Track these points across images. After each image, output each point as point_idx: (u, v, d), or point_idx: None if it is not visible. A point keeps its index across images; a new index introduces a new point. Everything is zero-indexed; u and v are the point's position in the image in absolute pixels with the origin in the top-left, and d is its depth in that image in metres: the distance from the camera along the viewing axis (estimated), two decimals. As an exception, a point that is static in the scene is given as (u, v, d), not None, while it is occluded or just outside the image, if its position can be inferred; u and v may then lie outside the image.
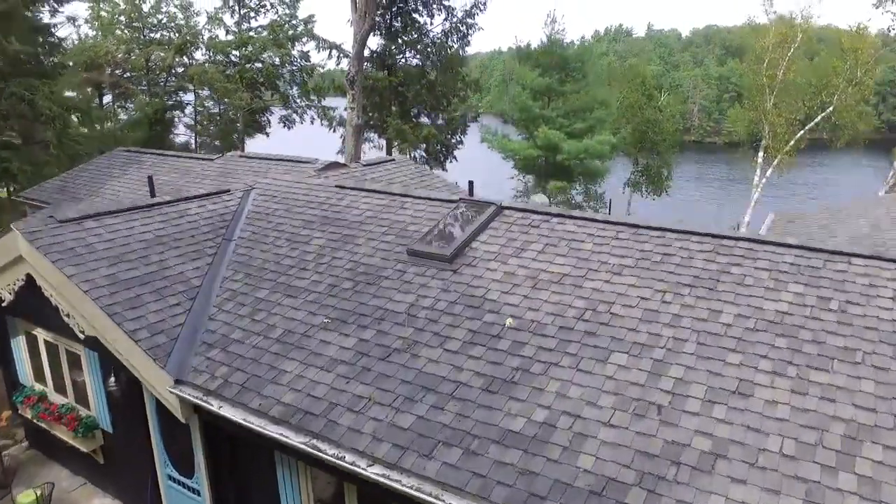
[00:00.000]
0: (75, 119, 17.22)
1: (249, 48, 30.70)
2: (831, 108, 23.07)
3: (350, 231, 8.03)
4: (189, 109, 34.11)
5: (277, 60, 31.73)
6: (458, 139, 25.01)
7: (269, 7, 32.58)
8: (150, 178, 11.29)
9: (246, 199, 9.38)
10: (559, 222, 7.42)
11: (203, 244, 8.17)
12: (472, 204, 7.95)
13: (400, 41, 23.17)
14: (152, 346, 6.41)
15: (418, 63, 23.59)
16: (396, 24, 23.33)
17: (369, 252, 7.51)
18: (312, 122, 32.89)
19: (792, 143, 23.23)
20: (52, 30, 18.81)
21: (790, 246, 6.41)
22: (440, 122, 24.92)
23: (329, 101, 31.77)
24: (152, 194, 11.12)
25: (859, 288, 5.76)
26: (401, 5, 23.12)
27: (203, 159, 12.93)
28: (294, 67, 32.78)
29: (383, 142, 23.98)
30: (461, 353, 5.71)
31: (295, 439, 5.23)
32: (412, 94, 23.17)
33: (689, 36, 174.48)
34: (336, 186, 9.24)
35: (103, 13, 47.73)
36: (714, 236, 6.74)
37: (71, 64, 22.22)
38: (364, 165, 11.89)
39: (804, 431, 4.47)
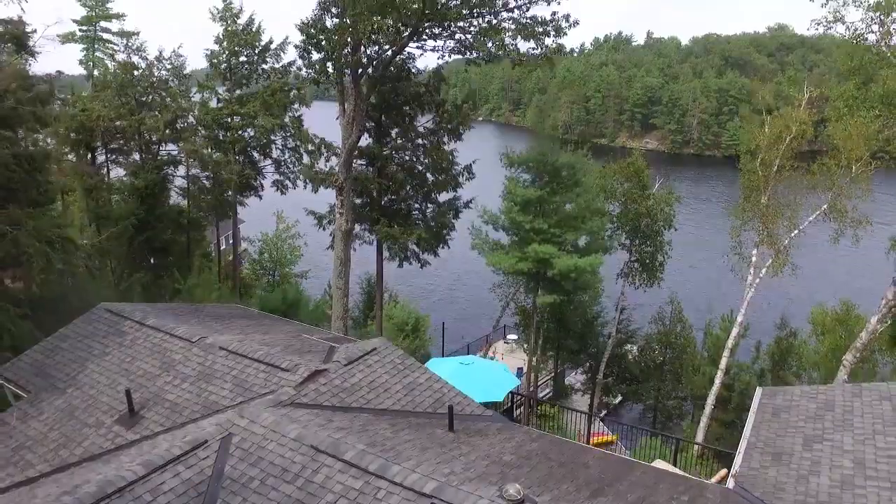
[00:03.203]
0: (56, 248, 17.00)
1: (238, 119, 30.57)
2: (825, 207, 22.91)
3: (322, 533, 7.93)
4: (181, 170, 33.92)
5: (269, 126, 31.52)
6: (451, 225, 24.78)
7: (260, 73, 32.46)
8: (128, 392, 11.24)
9: (223, 456, 9.27)
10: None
11: (175, 541, 8.08)
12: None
13: (389, 139, 22.99)
14: None
15: (409, 158, 23.40)
16: (385, 121, 23.12)
17: (339, 578, 7.41)
18: (305, 187, 32.76)
19: (786, 241, 23.08)
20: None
21: None
22: (430, 208, 24.71)
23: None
24: (130, 410, 11.10)
25: None
26: (391, 102, 22.92)
27: (183, 340, 12.79)
28: (287, 134, 32.66)
29: (373, 236, 23.82)
30: None
31: None
32: (403, 192, 23.04)
33: (688, 45, 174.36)
34: (311, 447, 9.11)
35: (99, 55, 47.48)
36: None
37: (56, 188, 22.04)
38: (345, 365, 11.77)
39: None
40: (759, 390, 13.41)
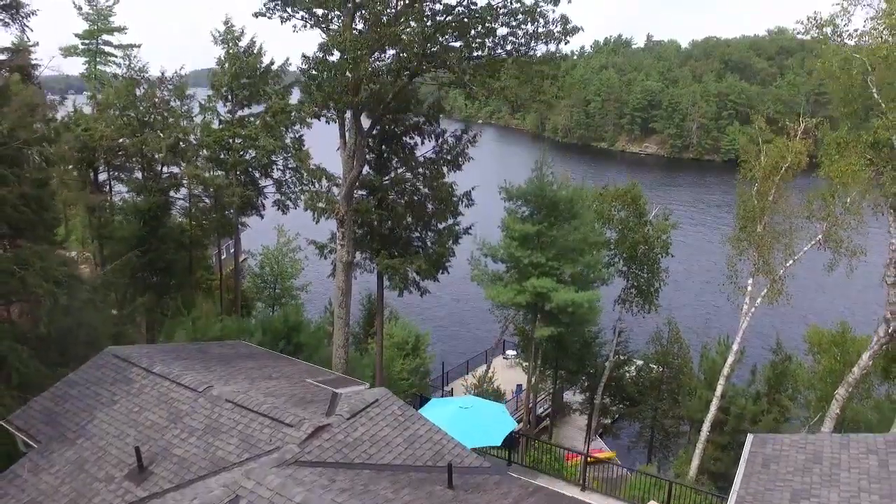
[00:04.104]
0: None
1: (240, 140, 30.93)
2: (820, 237, 23.20)
3: None
4: (183, 192, 34.22)
5: (270, 147, 31.84)
6: (450, 252, 25.06)
7: (262, 94, 32.77)
8: (137, 449, 11.56)
9: (229, 522, 9.60)
10: None
11: None
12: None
13: (389, 168, 23.31)
14: None
15: (409, 187, 23.70)
16: (385, 151, 23.43)
17: None
18: (306, 210, 33.08)
19: (782, 272, 23.38)
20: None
21: None
22: (430, 236, 24.99)
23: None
24: (140, 466, 11.44)
25: None
26: (391, 132, 23.23)
27: (190, 390, 13.10)
28: (288, 154, 32.98)
29: (374, 265, 24.13)
30: None
31: None
32: (403, 225, 23.36)
33: (688, 48, 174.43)
34: (316, 513, 9.44)
35: (100, 67, 47.62)
36: None
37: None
38: (347, 419, 12.09)
39: None
40: (749, 437, 13.72)
